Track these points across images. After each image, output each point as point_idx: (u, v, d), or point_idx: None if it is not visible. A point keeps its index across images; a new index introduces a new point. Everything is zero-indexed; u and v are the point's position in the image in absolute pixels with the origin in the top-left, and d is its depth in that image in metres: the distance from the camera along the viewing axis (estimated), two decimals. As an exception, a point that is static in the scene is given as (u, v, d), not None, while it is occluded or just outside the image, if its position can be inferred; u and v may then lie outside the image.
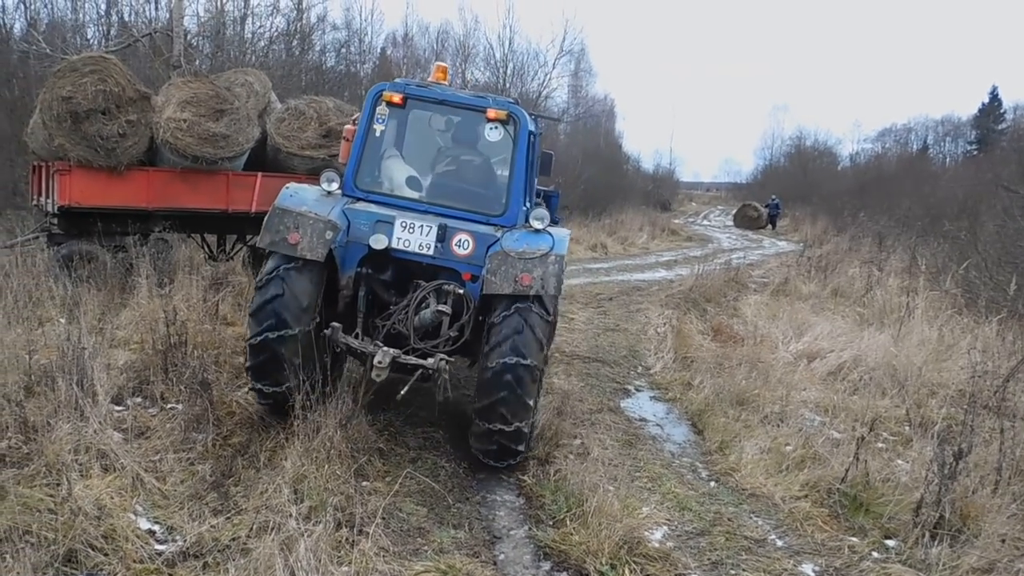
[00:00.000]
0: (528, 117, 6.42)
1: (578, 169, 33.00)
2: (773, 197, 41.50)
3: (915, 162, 47.04)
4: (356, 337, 5.92)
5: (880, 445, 6.75)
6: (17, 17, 22.62)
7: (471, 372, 7.03)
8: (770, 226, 39.91)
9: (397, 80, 6.49)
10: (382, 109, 6.28)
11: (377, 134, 6.32)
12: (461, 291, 5.90)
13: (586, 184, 32.90)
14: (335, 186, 6.00)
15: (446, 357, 5.73)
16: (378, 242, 5.85)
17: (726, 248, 27.51)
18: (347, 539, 4.43)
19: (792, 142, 65.58)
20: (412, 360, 5.74)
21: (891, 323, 10.57)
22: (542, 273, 5.63)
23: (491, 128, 6.30)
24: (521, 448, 5.87)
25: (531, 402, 5.74)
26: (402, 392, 5.76)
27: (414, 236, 5.92)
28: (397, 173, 6.45)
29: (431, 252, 5.93)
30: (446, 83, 6.61)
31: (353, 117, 7.64)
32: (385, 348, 5.70)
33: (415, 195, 6.34)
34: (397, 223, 5.93)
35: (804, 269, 16.72)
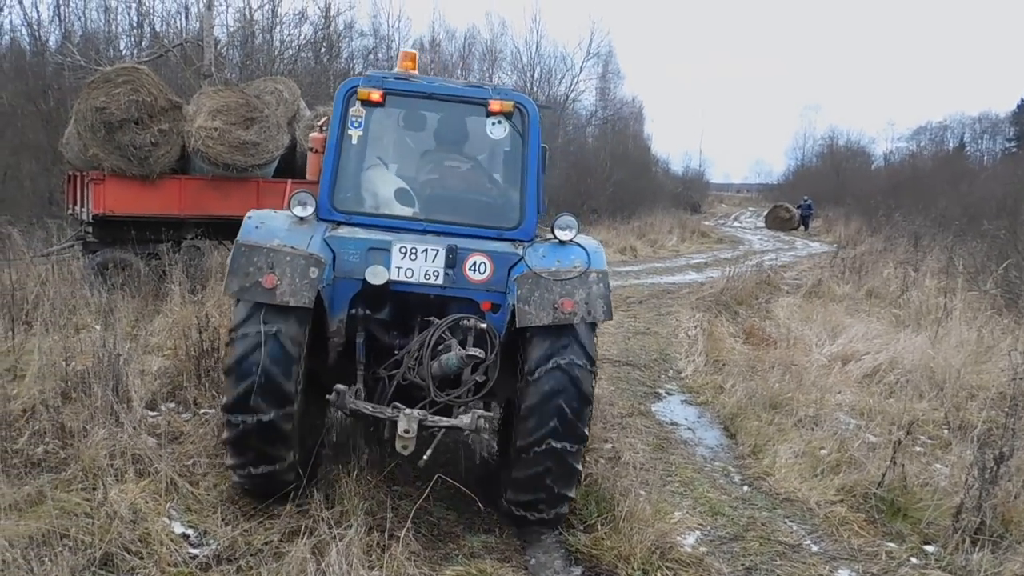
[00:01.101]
0: (537, 108, 5.47)
1: (607, 172, 32.93)
2: (805, 198, 41.06)
3: (951, 160, 46.29)
4: (353, 393, 4.89)
5: (918, 449, 6.62)
6: (52, 30, 23.17)
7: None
8: (802, 227, 39.48)
9: (371, 73, 5.38)
10: (357, 110, 5.19)
11: (354, 141, 5.21)
12: (484, 325, 4.84)
13: (615, 187, 32.82)
14: (309, 210, 4.88)
15: (483, 413, 4.79)
16: (376, 276, 4.80)
17: (757, 250, 27.24)
18: (378, 543, 4.43)
19: (824, 142, 64.97)
20: (444, 422, 4.76)
21: (928, 324, 10.38)
22: (586, 296, 4.72)
23: (494, 123, 5.30)
24: (565, 510, 5.08)
25: (580, 468, 4.89)
26: (424, 458, 4.74)
27: (417, 264, 4.91)
28: (383, 187, 5.39)
29: (440, 281, 4.92)
30: (416, 73, 5.57)
31: (320, 122, 6.50)
32: (408, 411, 4.68)
33: (408, 212, 5.28)
34: (395, 249, 4.89)
35: (838, 270, 16.51)
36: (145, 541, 4.32)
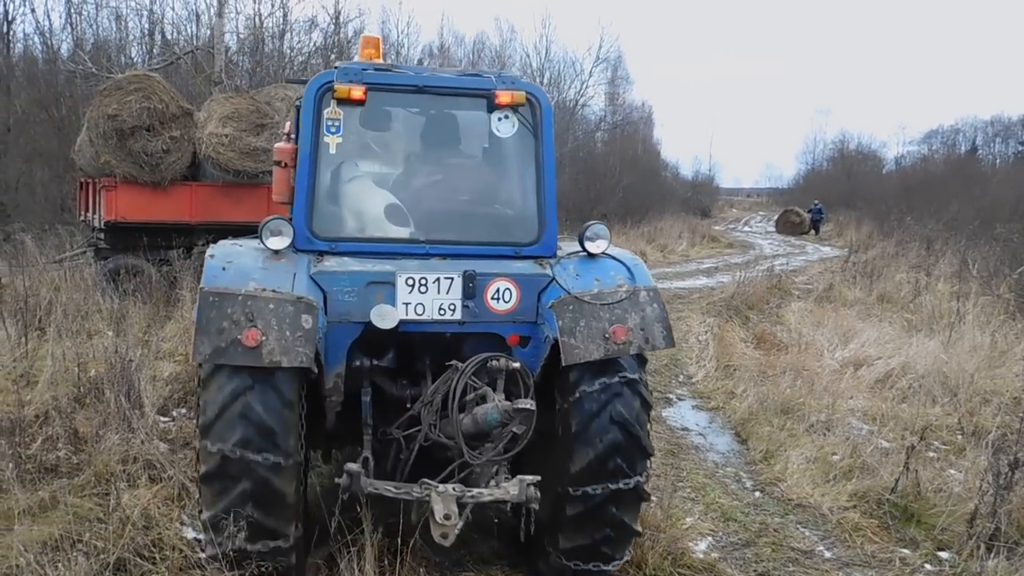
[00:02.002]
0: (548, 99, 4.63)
1: (616, 177, 32.91)
2: (816, 202, 40.93)
3: (964, 164, 46.04)
4: (365, 469, 3.95)
5: (931, 454, 6.58)
6: (64, 38, 23.37)
7: None
8: (813, 231, 39.34)
9: (347, 64, 4.36)
10: (333, 111, 4.24)
11: (331, 149, 4.26)
12: (516, 364, 4.01)
13: (624, 192, 32.80)
14: (286, 241, 3.95)
15: (530, 478, 3.88)
16: (384, 318, 3.91)
17: (768, 254, 27.15)
18: (389, 548, 4.42)
19: (835, 146, 64.65)
20: (488, 495, 3.87)
21: (941, 329, 10.31)
22: (640, 320, 4.02)
23: (501, 119, 4.45)
24: (628, 555, 4.44)
25: (637, 525, 4.32)
26: (454, 532, 3.70)
27: (429, 297, 4.06)
28: (371, 204, 4.46)
29: (458, 316, 4.11)
30: (381, 61, 4.65)
31: (284, 129, 5.45)
32: (442, 488, 3.80)
33: (404, 233, 4.39)
34: (399, 281, 4.03)
35: (849, 275, 16.43)
36: (157, 546, 4.33)
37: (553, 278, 4.18)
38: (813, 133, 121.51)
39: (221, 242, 4.22)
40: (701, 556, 4.90)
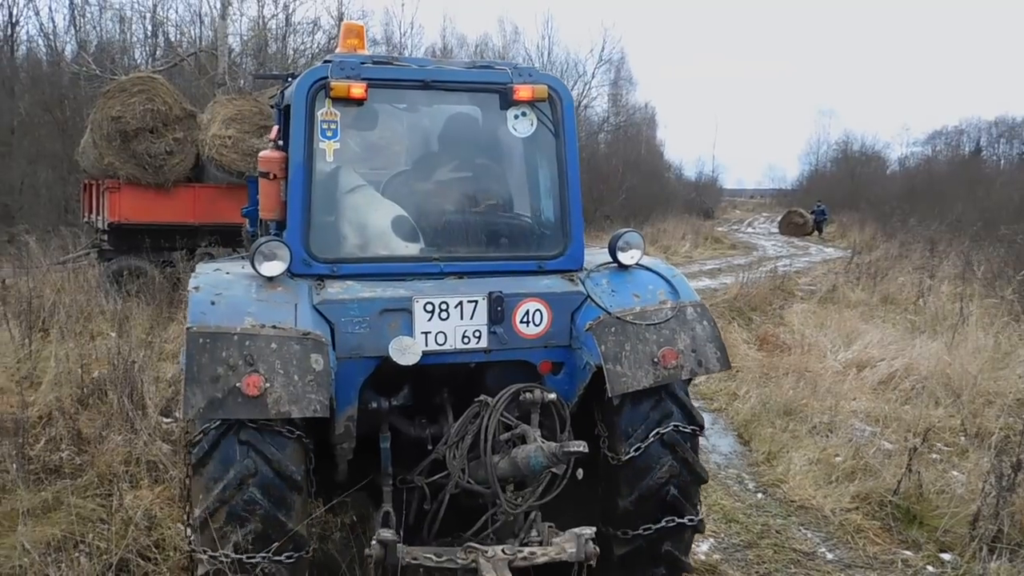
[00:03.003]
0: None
1: (619, 178, 32.91)
2: (819, 203, 40.87)
3: (968, 165, 45.97)
4: (394, 533, 3.40)
5: (934, 456, 6.56)
6: (68, 40, 23.45)
7: None
8: (816, 232, 39.28)
9: (343, 58, 3.80)
10: (329, 112, 3.69)
11: (328, 157, 3.73)
12: (552, 396, 3.56)
13: (627, 193, 32.81)
14: (280, 267, 3.46)
15: (587, 532, 3.47)
16: (406, 353, 3.48)
17: (771, 255, 27.11)
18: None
19: (838, 147, 64.52)
20: (543, 554, 3.45)
21: (944, 331, 10.29)
22: (691, 340, 3.68)
23: (518, 116, 3.94)
24: None
25: (690, 560, 4.03)
26: None
27: (451, 324, 3.60)
28: (375, 217, 3.94)
29: (484, 344, 3.66)
30: (366, 52, 4.15)
31: (270, 135, 4.75)
32: (491, 551, 3.38)
33: (414, 249, 3.88)
34: (417, 308, 3.56)
35: (852, 276, 16.39)
36: (160, 547, 4.35)
37: (587, 295, 3.77)
38: (816, 134, 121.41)
39: (201, 267, 3.82)
40: (703, 557, 4.90)
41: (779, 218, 44.95)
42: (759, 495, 6.10)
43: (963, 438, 6.95)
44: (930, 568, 4.95)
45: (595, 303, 3.73)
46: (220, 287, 3.39)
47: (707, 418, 8.09)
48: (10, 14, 21.48)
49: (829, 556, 5.12)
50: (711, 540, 5.21)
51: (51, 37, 23.14)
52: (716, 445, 7.28)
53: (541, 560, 3.45)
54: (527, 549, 3.47)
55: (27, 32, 28.17)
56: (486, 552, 3.35)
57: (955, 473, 6.19)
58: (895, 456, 6.27)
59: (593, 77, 36.76)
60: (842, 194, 47.08)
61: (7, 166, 18.91)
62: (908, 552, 5.14)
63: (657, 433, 3.68)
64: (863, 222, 34.70)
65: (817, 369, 8.91)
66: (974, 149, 58.77)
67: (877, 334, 10.32)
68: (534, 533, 3.61)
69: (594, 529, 3.53)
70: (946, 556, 5.06)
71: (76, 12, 23.14)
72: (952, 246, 18.33)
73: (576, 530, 3.49)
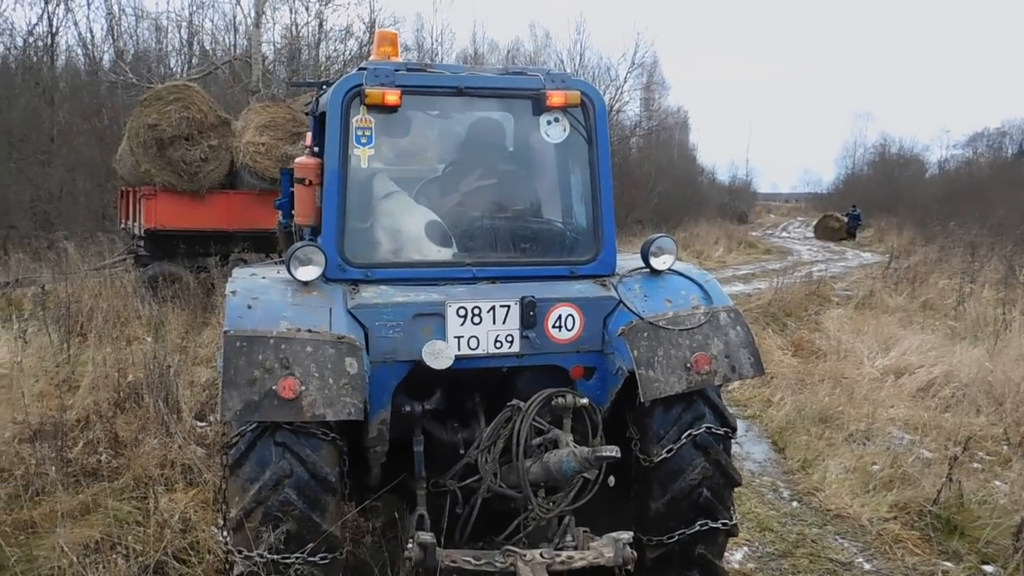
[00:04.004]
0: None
1: (651, 183, 32.76)
2: (853, 207, 40.29)
3: (1010, 167, 44.96)
4: (429, 534, 3.46)
5: (975, 465, 6.42)
6: (106, 49, 23.92)
7: None
8: (850, 237, 38.70)
9: (376, 65, 3.88)
10: (364, 120, 3.75)
11: (363, 163, 3.80)
12: (584, 401, 3.64)
13: (659, 198, 32.64)
14: (315, 271, 3.53)
15: (626, 537, 3.53)
16: (439, 357, 3.52)
17: (806, 260, 26.77)
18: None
19: (875, 149, 63.52)
20: (581, 558, 3.49)
21: (986, 337, 10.08)
22: (724, 345, 3.70)
23: (551, 121, 3.98)
24: None
25: (723, 564, 4.04)
26: None
27: (483, 328, 3.64)
28: (409, 222, 4.00)
29: (516, 348, 3.69)
30: (400, 60, 4.26)
31: (304, 142, 4.96)
32: (530, 556, 3.43)
33: (447, 254, 3.95)
34: (450, 312, 3.60)
35: (890, 281, 16.13)
36: (195, 549, 4.40)
37: (620, 300, 3.79)
38: (852, 137, 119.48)
39: (238, 272, 3.88)
40: (736, 567, 4.83)
41: (814, 222, 44.43)
42: (794, 503, 6.01)
43: (1006, 447, 6.79)
44: (972, 580, 4.84)
45: (627, 308, 3.76)
46: (256, 291, 3.47)
47: (741, 425, 7.99)
48: (50, 24, 21.96)
49: (867, 566, 5.02)
50: (745, 549, 5.14)
51: (89, 47, 23.64)
52: (750, 452, 7.19)
53: (579, 564, 3.47)
54: (565, 553, 3.50)
55: (66, 42, 28.82)
56: (524, 556, 3.41)
57: (998, 483, 6.06)
58: (935, 465, 6.14)
59: (625, 81, 36.60)
60: (880, 197, 46.38)
61: (47, 174, 19.32)
62: (949, 563, 5.02)
63: (689, 435, 3.69)
64: (901, 226, 34.17)
65: (854, 376, 8.77)
66: (1017, 151, 57.47)
67: (916, 340, 10.13)
68: (569, 538, 3.64)
69: (631, 534, 3.55)
70: (988, 568, 4.94)
71: (113, 22, 23.62)
72: (994, 250, 17.95)
73: (614, 535, 3.53)
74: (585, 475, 3.46)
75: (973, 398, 7.88)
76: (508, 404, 3.69)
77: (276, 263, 3.87)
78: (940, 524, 5.41)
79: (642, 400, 3.60)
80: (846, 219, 39.65)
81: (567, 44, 65.23)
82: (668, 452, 3.68)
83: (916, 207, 35.33)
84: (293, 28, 22.08)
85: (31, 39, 21.79)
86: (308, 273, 3.50)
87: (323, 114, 3.98)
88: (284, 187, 4.96)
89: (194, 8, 24.85)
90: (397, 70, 3.82)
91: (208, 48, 23.11)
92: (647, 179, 33.06)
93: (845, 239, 38.38)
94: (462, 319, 3.61)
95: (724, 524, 3.79)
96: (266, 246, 11.66)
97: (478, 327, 3.64)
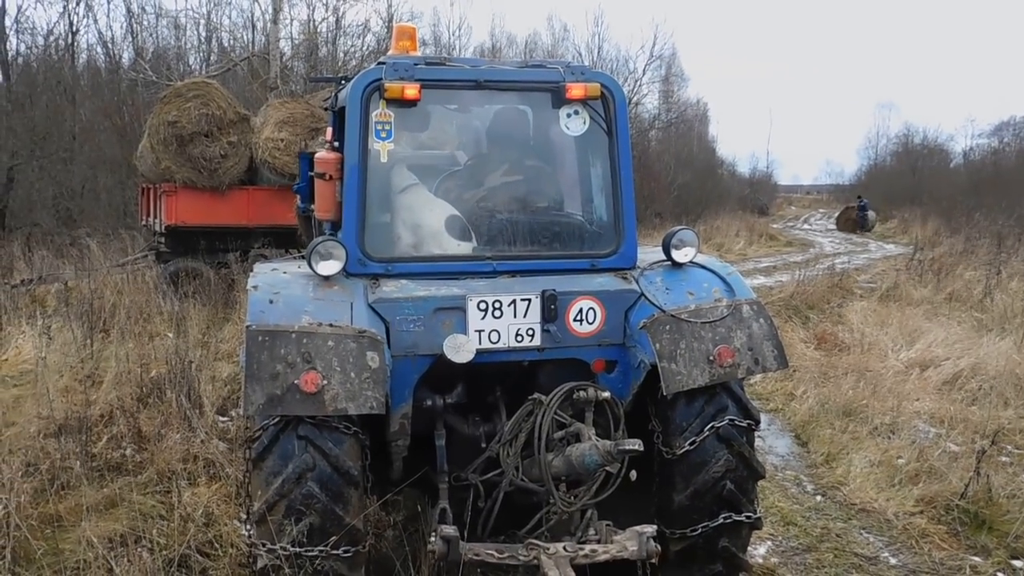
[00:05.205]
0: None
1: (670, 175, 32.58)
2: (859, 198, 39.77)
3: (1037, 156, 44.28)
4: (435, 512, 3.66)
5: (1004, 459, 6.33)
6: (126, 47, 24.09)
7: None
8: (860, 228, 38.10)
9: (395, 60, 3.87)
10: (383, 114, 3.75)
11: (382, 157, 3.79)
12: (606, 394, 3.63)
13: (679, 190, 32.46)
14: (336, 266, 3.54)
15: (650, 531, 3.50)
16: (460, 350, 3.46)
17: (829, 252, 26.49)
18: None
19: (899, 140, 62.65)
20: (605, 552, 3.48)
21: (1013, 329, 9.94)
22: (747, 338, 3.66)
23: (571, 114, 3.96)
24: None
25: (747, 557, 4.03)
26: None
27: (504, 322, 3.63)
28: (429, 216, 3.97)
29: (537, 342, 3.69)
30: (418, 54, 4.21)
31: (324, 136, 4.88)
32: (554, 549, 3.43)
33: (467, 248, 3.93)
34: (470, 306, 3.60)
35: (915, 273, 15.94)
36: (218, 542, 4.42)
37: (641, 293, 3.77)
38: (875, 127, 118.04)
39: (259, 268, 3.90)
40: (760, 561, 4.79)
41: (836, 214, 43.97)
42: (818, 497, 5.95)
43: (1034, 440, 6.69)
44: (1000, 575, 4.77)
45: (649, 301, 3.73)
46: (278, 286, 3.48)
47: (764, 419, 7.92)
48: (71, 23, 22.14)
49: (892, 561, 4.96)
50: (769, 543, 5.10)
51: (109, 45, 23.79)
52: (773, 446, 7.13)
53: (603, 558, 3.46)
54: (588, 547, 3.50)
55: (87, 41, 29.08)
56: (548, 549, 3.41)
57: (1026, 476, 5.97)
58: (962, 458, 6.06)
59: (644, 74, 36.38)
60: (903, 188, 45.85)
61: (69, 171, 19.51)
62: (977, 558, 4.95)
63: (712, 427, 3.67)
64: (925, 217, 33.76)
65: (878, 368, 8.68)
66: (1043, 140, 56.59)
67: (941, 333, 10.01)
68: (591, 531, 3.64)
69: (655, 527, 3.54)
70: (1017, 563, 4.88)
71: (133, 20, 23.79)
72: (1021, 241, 17.71)
73: (637, 528, 3.52)
74: (607, 469, 3.45)
75: (1001, 391, 7.77)
76: (530, 398, 3.69)
77: (296, 258, 3.88)
78: (968, 518, 5.33)
79: (665, 393, 3.58)
80: (856, 211, 39.08)
81: (585, 37, 64.88)
82: (691, 445, 3.66)
83: (941, 198, 34.90)
84: (311, 24, 22.11)
85: (52, 39, 22.00)
86: (329, 268, 3.52)
87: (342, 109, 4.00)
88: (303, 171, 4.98)
89: (212, 5, 25.09)
90: (416, 64, 3.82)
91: (227, 45, 23.20)
92: (667, 172, 32.87)
93: (855, 232, 37.87)
94: (483, 313, 3.62)
95: (748, 517, 3.78)
96: (286, 241, 11.71)
97: (499, 321, 3.64)
